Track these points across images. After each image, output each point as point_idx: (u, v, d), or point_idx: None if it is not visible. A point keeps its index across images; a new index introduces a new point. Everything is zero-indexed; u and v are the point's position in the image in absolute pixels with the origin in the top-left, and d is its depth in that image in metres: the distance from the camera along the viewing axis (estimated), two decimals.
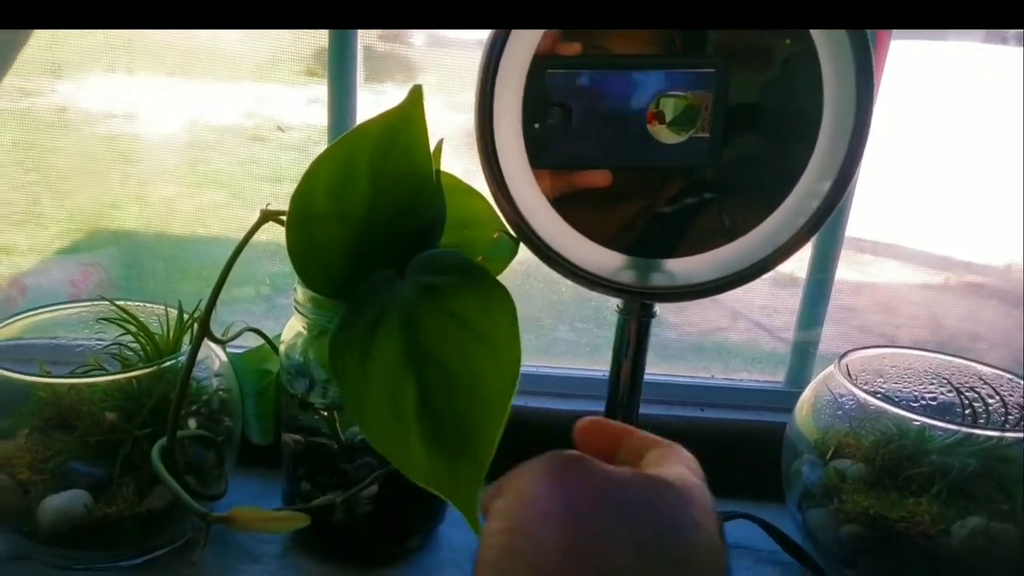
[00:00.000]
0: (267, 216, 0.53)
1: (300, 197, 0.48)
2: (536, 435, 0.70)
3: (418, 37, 0.70)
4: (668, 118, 0.50)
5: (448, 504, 0.64)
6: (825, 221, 0.51)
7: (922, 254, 0.79)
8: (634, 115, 0.50)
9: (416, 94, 0.48)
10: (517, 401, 0.44)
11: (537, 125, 0.51)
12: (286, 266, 0.51)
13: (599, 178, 0.52)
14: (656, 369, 0.78)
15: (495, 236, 0.56)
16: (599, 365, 0.78)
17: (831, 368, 0.64)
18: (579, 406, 0.73)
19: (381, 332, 0.47)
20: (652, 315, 0.56)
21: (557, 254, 0.53)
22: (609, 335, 0.58)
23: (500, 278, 0.48)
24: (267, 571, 0.58)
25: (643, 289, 0.54)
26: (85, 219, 0.74)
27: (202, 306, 0.51)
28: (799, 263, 0.75)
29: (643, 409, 0.72)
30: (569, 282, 0.54)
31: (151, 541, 0.56)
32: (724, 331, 0.80)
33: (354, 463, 0.58)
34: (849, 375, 0.63)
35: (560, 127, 0.50)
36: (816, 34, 0.48)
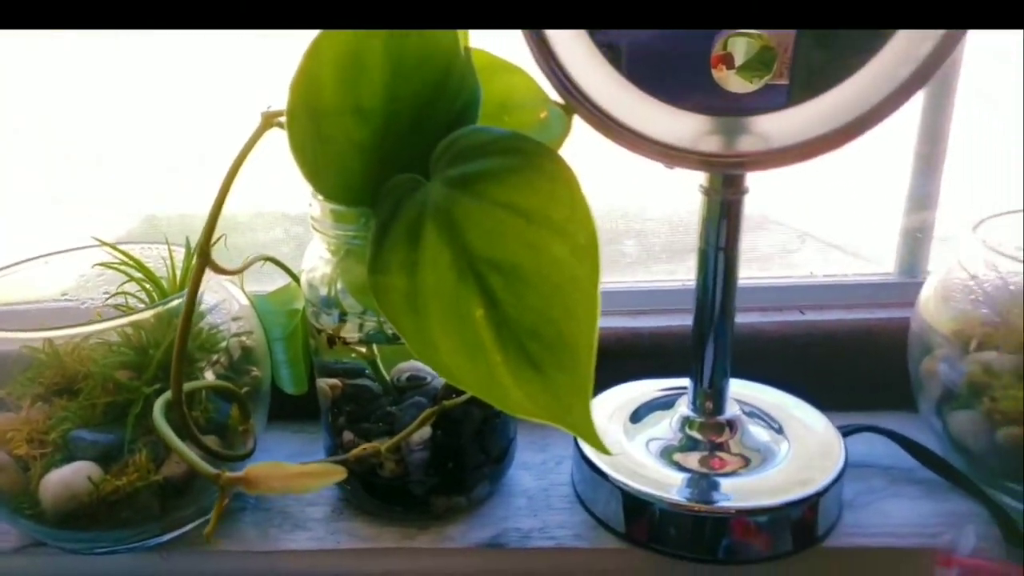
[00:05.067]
0: (269, 120, 0.43)
1: (302, 87, 0.39)
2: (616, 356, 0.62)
3: None
4: (738, 62, 0.40)
5: (515, 444, 0.56)
6: (938, 66, 0.39)
7: None
8: (696, 58, 0.40)
9: None
10: None
11: None
12: None
13: None
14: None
15: (542, 116, 0.46)
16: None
17: (965, 242, 0.53)
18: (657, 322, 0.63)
19: (423, 246, 0.37)
20: (744, 191, 0.46)
21: (622, 124, 0.42)
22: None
23: None
24: (314, 538, 0.50)
25: (733, 157, 0.43)
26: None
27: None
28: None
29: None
30: None
31: (176, 514, 0.48)
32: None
33: (402, 404, 0.49)
34: (987, 247, 0.51)
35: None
36: None
